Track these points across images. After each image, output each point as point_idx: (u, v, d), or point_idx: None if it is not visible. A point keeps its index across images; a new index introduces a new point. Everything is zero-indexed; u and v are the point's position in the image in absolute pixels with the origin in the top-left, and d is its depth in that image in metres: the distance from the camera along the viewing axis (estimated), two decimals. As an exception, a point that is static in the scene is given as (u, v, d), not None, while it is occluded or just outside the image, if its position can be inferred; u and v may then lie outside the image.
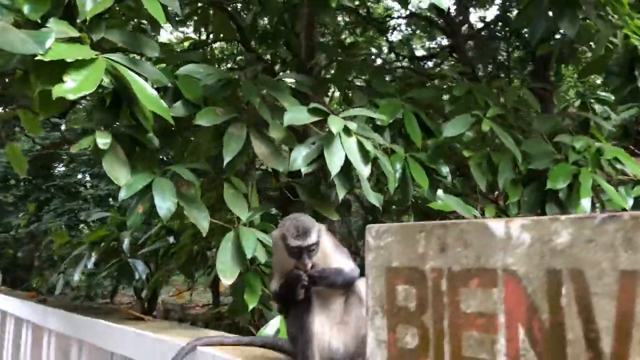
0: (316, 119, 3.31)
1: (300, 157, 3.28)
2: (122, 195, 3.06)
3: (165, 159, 5.64)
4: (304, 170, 3.30)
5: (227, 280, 3.12)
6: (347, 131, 3.29)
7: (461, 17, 10.42)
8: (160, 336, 2.96)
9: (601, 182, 3.96)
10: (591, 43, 4.55)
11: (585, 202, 3.92)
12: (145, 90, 3.07)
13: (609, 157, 4.07)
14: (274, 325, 3.35)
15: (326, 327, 2.22)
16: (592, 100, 4.81)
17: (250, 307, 3.37)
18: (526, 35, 7.88)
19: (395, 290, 1.46)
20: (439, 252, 1.35)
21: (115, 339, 3.29)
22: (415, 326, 1.37)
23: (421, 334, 1.36)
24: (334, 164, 3.13)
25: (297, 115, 3.29)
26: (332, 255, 2.28)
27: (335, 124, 3.19)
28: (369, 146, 3.29)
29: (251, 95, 3.36)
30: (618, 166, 4.21)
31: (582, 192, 3.83)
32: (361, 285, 2.25)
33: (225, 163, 3.21)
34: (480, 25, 11.42)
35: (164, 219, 3.04)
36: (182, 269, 5.12)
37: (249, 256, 3.15)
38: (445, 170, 4.07)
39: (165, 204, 3.09)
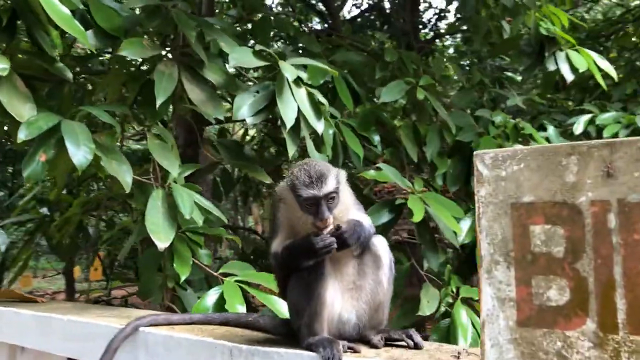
0: (263, 63, 2.88)
1: (245, 106, 2.82)
2: (22, 136, 2.36)
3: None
4: (250, 121, 2.84)
5: (162, 243, 2.57)
6: (296, 81, 2.90)
7: (339, 2, 10.38)
8: (85, 319, 2.36)
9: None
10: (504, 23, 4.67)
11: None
12: (55, 5, 2.39)
13: (526, 133, 4.20)
14: (213, 297, 2.88)
15: (337, 295, 1.85)
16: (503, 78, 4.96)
17: (183, 277, 2.85)
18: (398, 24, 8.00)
19: (530, 233, 1.16)
20: (604, 179, 1.08)
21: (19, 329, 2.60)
22: (564, 277, 1.09)
23: (574, 287, 1.08)
24: (288, 116, 2.73)
25: (243, 57, 2.82)
26: (351, 207, 1.90)
27: (289, 70, 2.79)
28: (322, 99, 2.94)
29: (186, 28, 2.80)
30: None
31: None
32: (378, 241, 1.92)
33: (158, 104, 2.64)
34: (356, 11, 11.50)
35: (79, 167, 2.40)
36: (58, 249, 4.31)
37: (187, 216, 2.63)
38: (376, 138, 3.87)
39: (79, 151, 2.45)
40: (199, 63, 2.93)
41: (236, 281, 2.98)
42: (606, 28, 7.38)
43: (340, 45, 4.51)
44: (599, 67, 4.57)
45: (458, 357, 1.56)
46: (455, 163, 4.09)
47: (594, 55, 4.55)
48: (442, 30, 9.00)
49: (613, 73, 4.54)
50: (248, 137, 6.58)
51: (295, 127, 2.88)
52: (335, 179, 1.80)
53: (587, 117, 5.76)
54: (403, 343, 1.80)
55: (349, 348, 1.74)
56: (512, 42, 4.79)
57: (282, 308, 2.80)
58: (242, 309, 2.71)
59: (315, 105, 2.94)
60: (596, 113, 5.80)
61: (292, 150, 2.88)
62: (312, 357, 1.70)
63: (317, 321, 1.78)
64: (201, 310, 2.74)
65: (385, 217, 3.57)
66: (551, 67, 4.46)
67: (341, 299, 1.85)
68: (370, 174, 3.63)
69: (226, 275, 3.11)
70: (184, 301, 3.49)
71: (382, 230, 3.82)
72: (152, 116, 2.87)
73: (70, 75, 2.62)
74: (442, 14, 9.19)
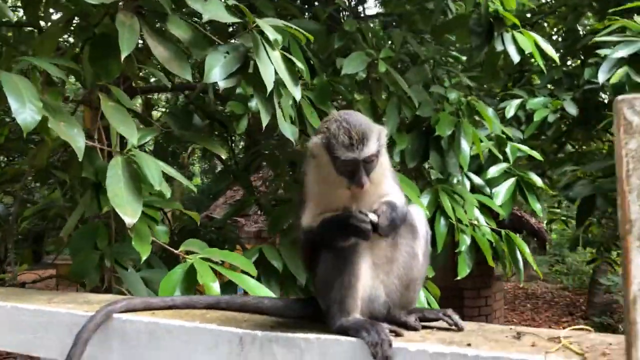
0: (238, 20, 2.59)
1: (217, 67, 2.52)
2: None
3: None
4: (222, 84, 2.56)
5: (129, 218, 2.23)
6: (271, 43, 2.65)
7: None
8: (36, 306, 1.99)
9: (476, 132, 4.07)
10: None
11: (467, 149, 4.01)
12: None
13: (479, 110, 4.21)
14: (178, 277, 2.57)
15: (368, 268, 1.65)
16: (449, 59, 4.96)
17: (144, 257, 2.52)
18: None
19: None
20: None
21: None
22: None
23: None
24: (267, 79, 2.48)
25: (217, 10, 2.52)
26: (388, 172, 1.69)
27: (268, 30, 2.53)
28: (300, 64, 2.72)
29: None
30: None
31: (467, 140, 3.90)
32: (414, 210, 1.74)
33: (122, 57, 2.28)
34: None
35: (25, 129, 2.01)
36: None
37: (157, 187, 2.32)
38: (334, 112, 3.68)
39: (25, 109, 2.05)
40: (160, 16, 2.59)
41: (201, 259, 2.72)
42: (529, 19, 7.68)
43: (293, 15, 4.28)
44: (540, 49, 4.69)
45: (519, 338, 1.42)
46: (413, 138, 4.02)
47: (537, 37, 4.65)
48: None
49: (554, 55, 4.66)
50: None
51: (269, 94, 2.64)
52: (377, 140, 1.59)
53: (517, 101, 5.97)
54: (440, 324, 1.64)
55: (391, 331, 1.53)
56: (460, 20, 4.79)
57: (259, 289, 2.57)
58: (216, 287, 2.45)
59: (292, 70, 2.71)
60: (525, 98, 6.03)
61: (266, 120, 2.64)
62: (353, 343, 1.47)
63: (351, 297, 1.58)
64: (167, 291, 2.45)
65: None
66: (499, 47, 4.50)
67: (372, 273, 1.65)
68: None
69: (188, 253, 2.82)
70: (126, 282, 3.14)
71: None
72: (106, 74, 2.49)
73: (9, 14, 2.20)
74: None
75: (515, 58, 4.50)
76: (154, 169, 2.34)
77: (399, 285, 1.68)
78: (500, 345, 1.33)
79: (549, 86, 6.41)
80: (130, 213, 2.23)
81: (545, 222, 11.94)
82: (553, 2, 8.39)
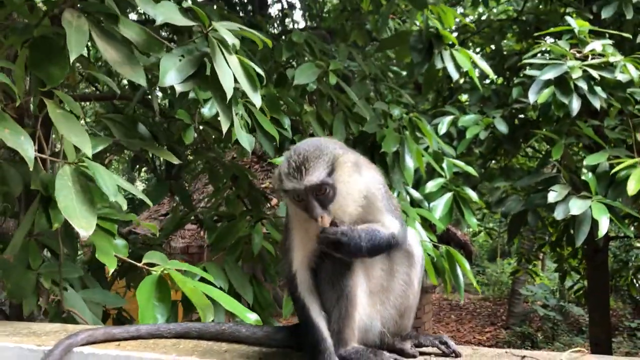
0: (192, 23, 2.47)
1: (173, 70, 2.38)
2: None
3: None
4: (179, 88, 2.41)
5: (85, 231, 2.02)
6: (228, 48, 2.54)
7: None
8: None
9: (418, 148, 4.14)
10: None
11: (411, 165, 4.06)
12: None
13: (420, 127, 4.29)
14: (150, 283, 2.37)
15: (364, 297, 1.57)
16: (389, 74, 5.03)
17: (111, 270, 2.32)
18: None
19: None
20: None
21: None
22: None
23: None
24: (227, 85, 2.37)
25: (170, 12, 2.38)
26: (374, 212, 1.57)
27: (226, 34, 2.42)
28: (258, 69, 2.62)
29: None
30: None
31: (411, 156, 3.95)
32: (411, 237, 1.67)
33: (72, 58, 2.09)
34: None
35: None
36: None
37: (112, 198, 2.13)
38: (287, 121, 3.62)
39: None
40: (108, 17, 2.42)
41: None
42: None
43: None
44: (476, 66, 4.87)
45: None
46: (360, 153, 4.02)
47: (473, 55, 4.82)
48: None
49: (490, 73, 4.85)
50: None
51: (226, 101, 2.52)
52: (328, 167, 1.47)
53: (449, 118, 6.15)
54: (436, 350, 1.58)
55: None
56: (400, 37, 4.88)
57: (228, 303, 2.44)
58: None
59: (250, 75, 2.61)
60: (457, 115, 6.23)
61: (226, 126, 2.51)
62: None
63: (348, 326, 1.49)
64: (144, 301, 2.25)
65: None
66: (439, 64, 4.62)
67: (368, 301, 1.58)
68: (279, 160, 3.37)
69: (150, 265, 2.64)
70: (68, 304, 2.90)
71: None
72: (50, 79, 2.28)
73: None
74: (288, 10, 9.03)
75: (454, 75, 4.64)
76: (108, 180, 2.15)
77: (395, 314, 1.62)
78: None
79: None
80: (85, 225, 2.03)
81: (470, 234, 12.39)
82: (478, 22, 8.79)
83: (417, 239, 1.69)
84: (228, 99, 2.37)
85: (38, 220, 2.57)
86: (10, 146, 1.97)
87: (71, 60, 2.10)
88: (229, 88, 2.37)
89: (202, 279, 2.80)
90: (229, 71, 2.43)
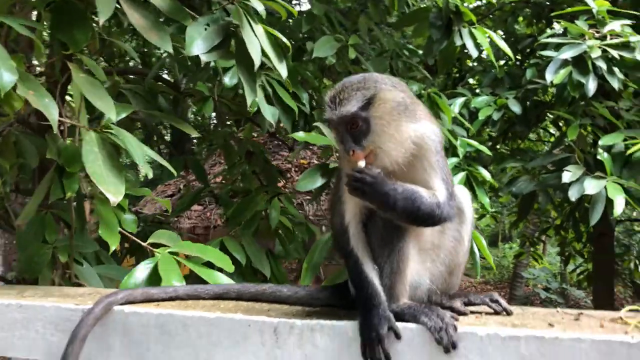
0: (220, -11, 2.42)
1: (199, 39, 2.33)
2: None
3: None
4: (204, 58, 2.37)
5: (114, 197, 2.00)
6: (252, 17, 2.49)
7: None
8: (9, 300, 1.72)
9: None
10: None
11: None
12: None
13: (439, 103, 4.24)
14: (143, 272, 2.35)
15: (416, 255, 1.53)
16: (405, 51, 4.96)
17: (113, 247, 2.29)
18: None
19: None
20: None
21: None
22: None
23: None
24: (255, 54, 2.32)
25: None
26: (425, 167, 1.50)
27: (254, 2, 2.37)
28: (284, 40, 2.57)
29: None
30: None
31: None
32: (460, 192, 1.64)
33: (101, 21, 2.04)
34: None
35: (2, 89, 1.74)
36: None
37: (141, 164, 2.11)
38: (305, 96, 3.57)
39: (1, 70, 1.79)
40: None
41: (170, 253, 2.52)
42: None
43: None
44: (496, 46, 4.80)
45: (578, 319, 1.37)
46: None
47: (492, 34, 4.75)
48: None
49: (509, 52, 4.77)
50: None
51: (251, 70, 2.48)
52: (364, 99, 1.41)
53: (462, 99, 6.09)
54: (485, 308, 1.55)
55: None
56: (420, 14, 4.80)
57: None
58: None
59: (277, 45, 2.56)
60: (469, 97, 6.17)
61: (250, 97, 2.47)
62: (411, 329, 1.35)
63: (400, 282, 1.47)
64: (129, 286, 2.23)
65: (318, 182, 3.30)
66: (458, 41, 4.56)
67: (418, 259, 1.54)
68: (300, 135, 3.33)
69: (156, 246, 2.61)
70: (82, 278, 2.87)
71: (315, 195, 3.57)
72: (74, 43, 2.23)
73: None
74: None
75: (474, 53, 4.59)
76: (136, 146, 2.12)
77: (444, 272, 1.60)
78: (568, 326, 1.27)
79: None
80: (113, 191, 2.01)
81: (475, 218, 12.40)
82: (490, 6, 8.67)
83: (468, 197, 1.65)
84: (256, 68, 2.33)
85: (54, 189, 2.54)
86: (35, 107, 1.93)
87: (101, 23, 2.05)
88: (257, 58, 2.33)
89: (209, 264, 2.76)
90: (256, 41, 2.39)
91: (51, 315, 1.64)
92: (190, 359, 1.51)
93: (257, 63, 2.32)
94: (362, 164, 1.41)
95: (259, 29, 2.51)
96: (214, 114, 4.78)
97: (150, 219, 4.84)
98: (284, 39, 2.61)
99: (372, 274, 1.46)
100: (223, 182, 4.72)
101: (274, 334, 1.43)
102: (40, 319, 1.65)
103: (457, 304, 1.55)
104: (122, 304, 1.64)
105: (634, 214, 11.60)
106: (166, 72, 5.84)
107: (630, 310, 1.35)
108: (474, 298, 1.60)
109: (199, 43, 2.33)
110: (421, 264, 1.56)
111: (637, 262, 11.81)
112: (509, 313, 1.51)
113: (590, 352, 1.14)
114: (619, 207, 4.35)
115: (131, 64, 5.62)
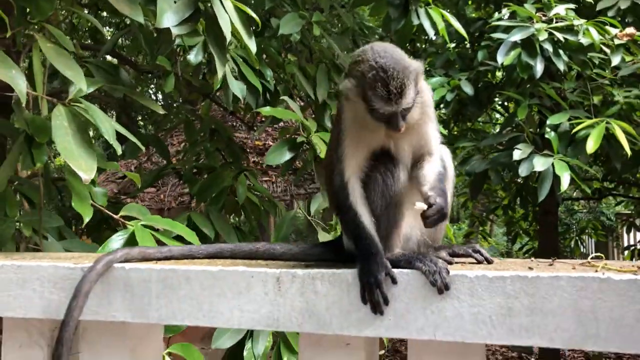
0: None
1: (169, 11, 2.33)
2: None
3: None
4: (175, 31, 2.37)
5: (85, 174, 1.99)
6: (222, -9, 2.51)
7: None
8: (17, 262, 1.70)
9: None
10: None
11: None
12: None
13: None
14: (117, 243, 2.38)
15: (410, 209, 1.64)
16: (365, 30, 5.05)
17: (87, 219, 2.28)
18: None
19: None
20: None
21: None
22: None
23: None
24: (225, 29, 2.35)
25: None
26: (427, 113, 1.65)
27: (225, -26, 2.39)
28: (253, 15, 2.60)
29: None
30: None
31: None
32: (445, 153, 1.74)
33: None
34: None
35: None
36: None
37: (111, 140, 2.10)
38: (269, 73, 3.61)
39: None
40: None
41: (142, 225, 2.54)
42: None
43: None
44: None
45: (553, 264, 1.52)
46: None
47: (448, 14, 4.90)
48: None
49: (463, 32, 4.93)
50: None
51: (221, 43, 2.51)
52: (415, 86, 1.54)
53: (415, 80, 6.25)
54: (469, 259, 1.68)
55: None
56: (377, -8, 4.88)
57: None
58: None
59: (245, 21, 2.59)
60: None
61: (221, 71, 2.50)
62: (406, 274, 1.46)
63: (395, 233, 1.59)
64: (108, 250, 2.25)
65: (286, 156, 3.37)
66: (415, 21, 4.68)
67: (410, 213, 1.65)
68: (267, 110, 3.38)
69: (128, 219, 2.62)
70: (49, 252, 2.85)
71: (284, 169, 3.63)
72: (40, 11, 2.20)
73: None
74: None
75: (430, 32, 4.72)
76: (105, 121, 2.12)
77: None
78: (546, 269, 1.41)
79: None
80: (85, 168, 2.00)
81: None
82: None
83: (449, 154, 1.78)
84: (227, 42, 2.36)
85: (23, 160, 2.51)
86: (1, 79, 1.90)
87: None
88: (227, 31, 2.36)
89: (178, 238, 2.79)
90: (226, 15, 2.41)
91: (49, 274, 1.66)
92: (194, 310, 1.57)
93: (228, 36, 2.35)
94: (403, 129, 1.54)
95: (228, 3, 2.53)
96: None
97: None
98: (253, 14, 2.64)
99: (370, 226, 1.57)
100: (183, 159, 4.72)
101: (277, 283, 1.51)
102: (38, 278, 1.67)
103: (443, 254, 1.66)
104: (123, 261, 1.67)
105: (574, 194, 12.28)
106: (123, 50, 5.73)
107: (595, 257, 1.52)
108: (457, 249, 1.73)
109: (169, 15, 2.34)
110: (413, 217, 1.67)
111: (578, 240, 12.50)
112: (489, 262, 1.64)
113: (567, 287, 1.30)
114: (565, 183, 4.61)
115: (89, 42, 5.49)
